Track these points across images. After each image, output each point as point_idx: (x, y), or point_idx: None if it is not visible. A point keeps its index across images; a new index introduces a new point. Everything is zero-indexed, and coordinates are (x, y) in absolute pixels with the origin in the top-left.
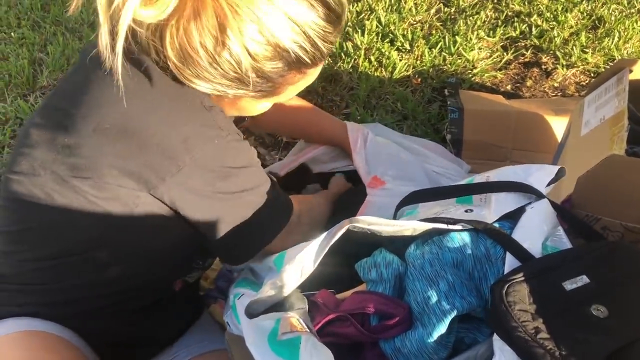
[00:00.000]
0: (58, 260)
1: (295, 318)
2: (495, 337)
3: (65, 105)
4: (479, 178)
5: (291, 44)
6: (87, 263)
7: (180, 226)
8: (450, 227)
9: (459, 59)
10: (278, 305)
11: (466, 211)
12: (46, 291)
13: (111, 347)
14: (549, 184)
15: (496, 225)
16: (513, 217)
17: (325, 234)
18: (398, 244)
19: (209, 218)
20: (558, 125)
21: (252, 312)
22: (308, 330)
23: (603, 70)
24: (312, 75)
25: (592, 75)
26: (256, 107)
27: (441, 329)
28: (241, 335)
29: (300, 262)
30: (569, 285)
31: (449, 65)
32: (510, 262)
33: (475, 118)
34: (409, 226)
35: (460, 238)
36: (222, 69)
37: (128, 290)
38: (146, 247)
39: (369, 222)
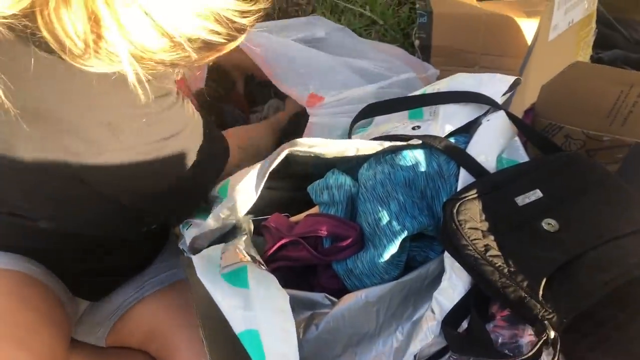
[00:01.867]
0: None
1: (237, 248)
2: (447, 254)
3: None
4: (430, 89)
5: (195, 32)
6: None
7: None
8: (398, 143)
9: None
10: (224, 234)
11: (413, 128)
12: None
13: (76, 276)
14: (504, 95)
15: (451, 140)
16: (468, 131)
17: (262, 161)
18: (352, 164)
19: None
20: (529, 27)
21: (197, 247)
22: (249, 259)
23: None
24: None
25: None
26: None
27: (392, 249)
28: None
29: (241, 193)
30: (522, 200)
31: None
32: (465, 177)
33: (445, 22)
34: (352, 146)
35: (413, 156)
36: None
37: (83, 242)
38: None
39: (309, 144)
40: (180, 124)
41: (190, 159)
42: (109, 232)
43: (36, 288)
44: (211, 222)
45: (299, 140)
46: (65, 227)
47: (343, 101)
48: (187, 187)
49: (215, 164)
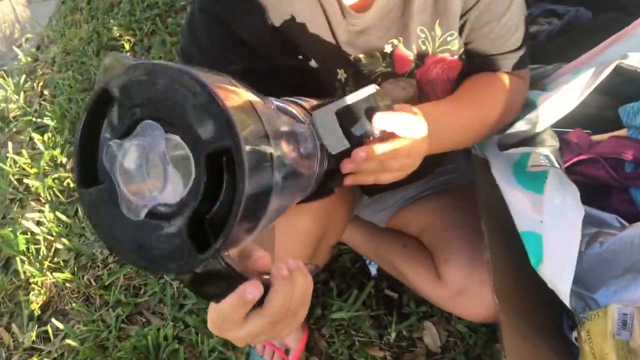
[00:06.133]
0: None
1: (546, 155)
2: None
3: None
4: None
5: None
6: None
7: None
8: None
9: None
10: (528, 140)
11: None
12: None
13: None
14: None
15: None
16: None
17: (592, 70)
18: None
19: None
20: None
21: (505, 143)
22: (558, 166)
23: None
24: None
25: None
26: None
27: None
28: (486, 159)
29: (561, 98)
30: None
31: None
32: None
33: None
34: None
35: None
36: None
37: None
38: None
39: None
40: None
41: None
42: None
43: None
44: (522, 123)
45: (630, 53)
46: None
47: None
48: None
49: None
